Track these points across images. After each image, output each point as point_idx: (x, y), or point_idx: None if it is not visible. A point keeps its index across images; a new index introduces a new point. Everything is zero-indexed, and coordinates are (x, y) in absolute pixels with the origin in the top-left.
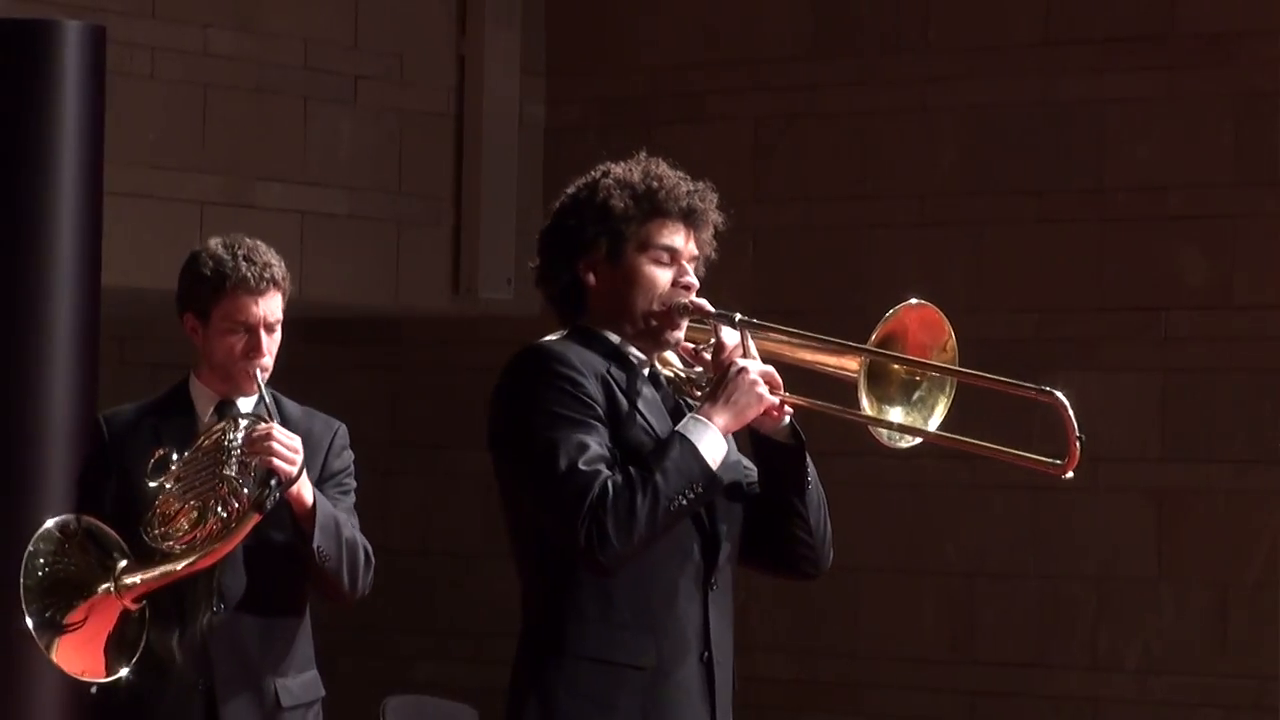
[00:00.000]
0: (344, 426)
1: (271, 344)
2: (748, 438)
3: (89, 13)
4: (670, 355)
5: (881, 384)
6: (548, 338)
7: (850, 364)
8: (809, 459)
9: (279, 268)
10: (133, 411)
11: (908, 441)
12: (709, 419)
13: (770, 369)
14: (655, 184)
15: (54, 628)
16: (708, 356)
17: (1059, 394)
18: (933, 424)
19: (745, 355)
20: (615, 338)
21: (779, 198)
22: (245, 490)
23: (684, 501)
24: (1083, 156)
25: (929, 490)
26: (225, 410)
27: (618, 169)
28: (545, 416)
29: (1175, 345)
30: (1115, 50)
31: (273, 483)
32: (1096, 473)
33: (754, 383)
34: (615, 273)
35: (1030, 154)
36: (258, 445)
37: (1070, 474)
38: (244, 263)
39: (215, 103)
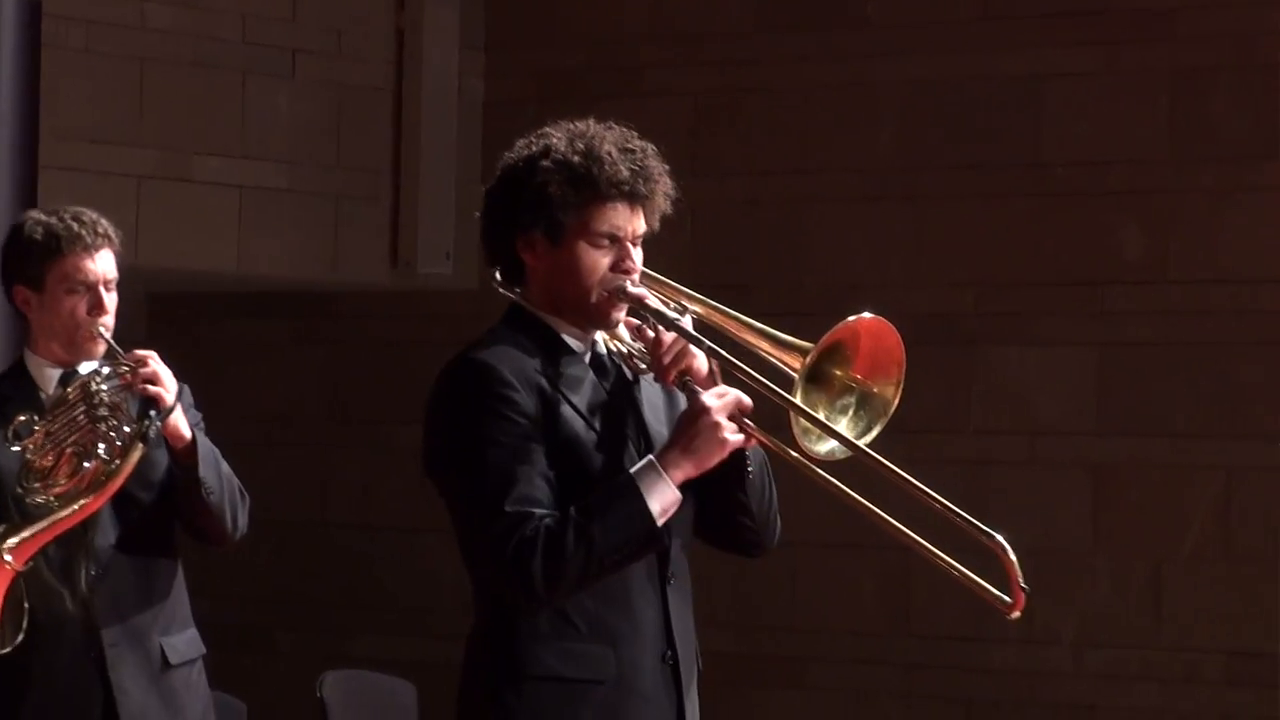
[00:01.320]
0: (186, 386)
1: (110, 302)
2: None
3: None
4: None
5: (818, 387)
6: (487, 325)
7: (793, 361)
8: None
9: (108, 225)
10: None
11: (840, 453)
12: (666, 469)
13: (739, 396)
14: (595, 168)
15: None
16: (651, 334)
17: (1001, 539)
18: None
19: (713, 385)
20: (553, 322)
21: (719, 172)
22: (126, 427)
23: (619, 557)
24: (1021, 131)
25: (865, 465)
26: (70, 380)
27: (559, 144)
28: (477, 444)
29: (1112, 320)
30: (1053, 25)
31: (152, 412)
32: (1033, 446)
33: (716, 426)
34: (554, 255)
35: (969, 129)
36: (131, 377)
37: (1016, 614)
38: (74, 223)
39: (152, 77)
